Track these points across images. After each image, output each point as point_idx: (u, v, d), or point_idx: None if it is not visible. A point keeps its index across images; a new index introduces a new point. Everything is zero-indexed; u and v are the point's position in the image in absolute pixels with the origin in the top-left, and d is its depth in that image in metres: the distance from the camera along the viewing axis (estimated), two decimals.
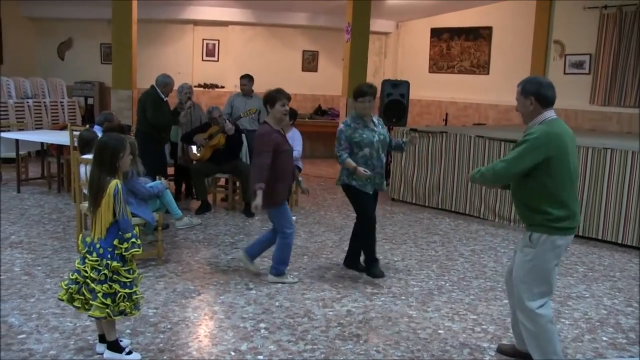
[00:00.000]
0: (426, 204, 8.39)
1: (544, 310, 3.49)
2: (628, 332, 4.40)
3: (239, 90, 8.71)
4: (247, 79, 8.41)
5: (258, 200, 4.75)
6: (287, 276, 5.16)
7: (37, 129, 10.96)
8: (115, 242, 3.49)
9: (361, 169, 4.98)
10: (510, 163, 3.43)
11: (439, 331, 4.27)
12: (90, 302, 3.49)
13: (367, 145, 5.08)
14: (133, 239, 3.53)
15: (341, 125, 5.22)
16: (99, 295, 3.44)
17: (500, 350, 3.96)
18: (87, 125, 8.16)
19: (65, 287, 3.58)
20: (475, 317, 4.56)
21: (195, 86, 11.03)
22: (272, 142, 4.85)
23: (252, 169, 5.04)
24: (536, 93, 3.47)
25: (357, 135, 5.08)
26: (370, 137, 5.10)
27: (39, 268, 5.20)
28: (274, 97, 4.91)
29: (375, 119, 5.28)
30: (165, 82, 7.19)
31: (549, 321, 3.51)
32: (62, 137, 8.18)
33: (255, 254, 5.33)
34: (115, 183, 3.50)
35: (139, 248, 3.55)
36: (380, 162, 5.20)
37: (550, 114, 3.49)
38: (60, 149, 8.39)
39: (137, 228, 3.72)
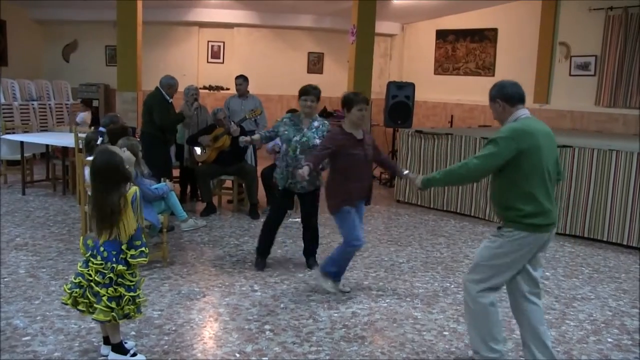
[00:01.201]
0: (431, 206, 8.38)
1: (484, 299, 3.52)
2: (633, 334, 4.38)
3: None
4: (242, 79, 8.35)
5: (305, 170, 4.53)
6: (328, 282, 4.92)
7: (42, 131, 11.00)
8: (123, 246, 3.48)
9: (242, 137, 5.71)
10: (484, 161, 3.45)
11: (444, 333, 4.26)
12: (95, 305, 3.48)
13: (285, 142, 5.31)
14: (142, 248, 3.51)
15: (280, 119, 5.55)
16: (104, 298, 3.44)
17: None
18: (93, 128, 8.17)
19: (69, 291, 3.57)
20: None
21: (200, 88, 11.02)
22: (335, 141, 4.75)
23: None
24: (500, 94, 3.57)
25: (281, 130, 5.34)
26: (290, 135, 5.27)
27: (44, 270, 5.21)
28: (352, 100, 4.74)
29: (317, 123, 5.37)
30: (169, 84, 7.20)
31: (490, 304, 3.53)
32: (66, 139, 8.20)
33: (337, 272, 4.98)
34: (134, 190, 3.49)
35: (146, 257, 3.55)
36: (295, 161, 5.25)
37: (522, 112, 3.55)
38: (65, 151, 8.42)
39: (144, 236, 3.71)
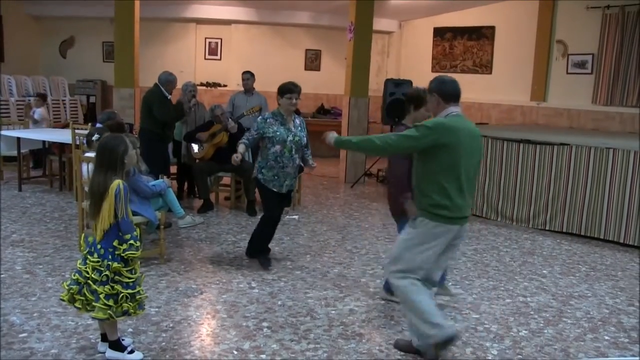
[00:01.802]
0: None
1: (404, 277, 3.67)
2: (630, 332, 4.39)
3: (241, 89, 8.69)
4: (249, 74, 8.40)
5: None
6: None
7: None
8: (115, 242, 3.47)
9: (234, 155, 5.13)
10: (401, 139, 3.63)
11: None
12: (93, 303, 3.48)
13: (279, 143, 5.17)
14: (131, 241, 3.49)
15: (259, 118, 5.38)
16: (101, 296, 3.43)
17: (397, 346, 3.94)
18: (90, 124, 8.15)
19: (67, 288, 3.57)
20: (477, 316, 4.55)
21: (197, 85, 11.01)
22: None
23: None
24: (438, 89, 3.74)
25: (270, 131, 5.18)
26: (284, 135, 5.18)
27: (41, 267, 5.20)
28: (423, 99, 4.42)
29: (298, 120, 5.37)
30: (168, 80, 7.18)
31: (411, 283, 3.65)
32: (63, 136, 8.19)
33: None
34: (117, 183, 3.47)
35: (137, 251, 3.52)
36: (291, 162, 5.25)
37: (454, 109, 3.73)
38: (62, 147, 8.40)
39: (139, 229, 3.70)
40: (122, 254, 3.46)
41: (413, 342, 3.81)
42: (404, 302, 3.72)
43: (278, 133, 5.18)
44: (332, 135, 3.99)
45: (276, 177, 5.25)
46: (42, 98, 9.93)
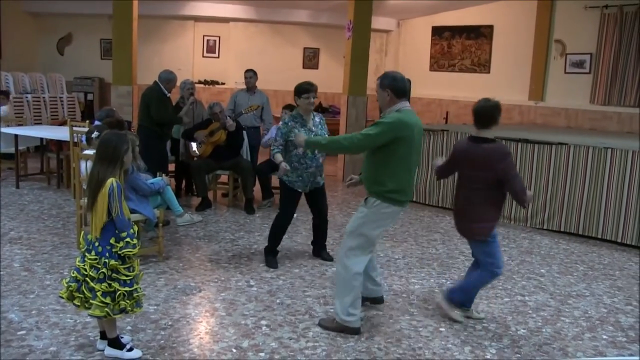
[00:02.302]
0: (427, 202, 8.39)
1: (355, 266, 4.05)
2: (627, 331, 4.40)
3: (239, 87, 8.68)
4: (252, 72, 8.37)
5: (529, 195, 4.27)
6: (454, 311, 4.42)
7: (36, 124, 10.93)
8: (112, 240, 3.47)
9: (283, 164, 5.11)
10: (367, 138, 3.96)
11: (440, 329, 4.27)
12: (90, 301, 3.47)
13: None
14: (128, 239, 3.49)
15: (280, 123, 5.41)
16: (98, 294, 3.43)
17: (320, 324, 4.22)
18: (88, 121, 8.13)
19: (66, 285, 3.57)
20: (476, 315, 4.55)
21: (195, 83, 11.01)
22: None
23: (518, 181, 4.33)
24: (391, 86, 4.01)
25: (292, 134, 5.14)
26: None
27: (39, 264, 5.19)
28: (497, 116, 4.32)
29: (318, 118, 5.38)
30: (168, 79, 7.16)
31: (357, 272, 4.06)
32: (61, 133, 8.17)
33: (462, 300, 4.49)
34: (110, 181, 3.47)
35: (134, 248, 3.51)
36: (315, 161, 5.29)
37: (405, 104, 4.05)
38: (59, 144, 8.38)
39: (136, 227, 3.69)
40: (119, 252, 3.46)
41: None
42: (344, 281, 4.08)
43: None
44: (302, 137, 4.39)
45: (300, 178, 5.31)
46: (5, 95, 9.75)
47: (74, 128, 7.38)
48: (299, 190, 5.37)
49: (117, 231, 3.48)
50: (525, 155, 7.34)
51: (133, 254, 3.54)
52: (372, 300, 4.55)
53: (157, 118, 7.02)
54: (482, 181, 4.21)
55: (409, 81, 9.69)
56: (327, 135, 5.34)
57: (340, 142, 4.18)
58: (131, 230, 3.54)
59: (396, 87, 4.00)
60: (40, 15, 13.04)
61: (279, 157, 5.20)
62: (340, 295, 4.11)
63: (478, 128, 4.32)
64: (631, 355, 4.03)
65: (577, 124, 10.73)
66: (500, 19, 12.13)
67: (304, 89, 5.24)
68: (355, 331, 4.08)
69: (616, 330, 4.40)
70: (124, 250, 3.47)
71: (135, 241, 3.54)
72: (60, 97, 12.19)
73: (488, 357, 3.89)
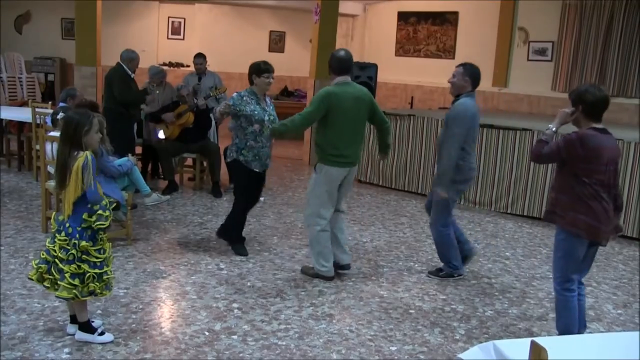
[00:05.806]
0: (393, 186, 8.46)
1: (318, 225, 4.73)
2: (588, 310, 4.53)
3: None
4: (202, 58, 8.17)
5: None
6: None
7: None
8: (85, 215, 3.42)
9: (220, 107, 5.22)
10: (305, 117, 4.67)
11: (410, 311, 4.34)
12: (58, 282, 3.43)
13: (258, 122, 5.08)
14: (100, 211, 3.44)
15: (234, 94, 5.22)
16: (67, 275, 3.38)
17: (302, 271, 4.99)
18: (50, 102, 7.94)
19: (36, 266, 3.52)
20: (444, 297, 4.65)
21: (160, 64, 10.83)
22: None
23: None
24: (329, 64, 4.74)
25: (248, 109, 5.05)
26: (262, 115, 5.09)
27: (2, 248, 5.08)
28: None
29: (268, 99, 5.35)
30: (130, 57, 7.01)
31: (321, 230, 4.74)
32: (22, 114, 7.96)
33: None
34: (85, 154, 3.41)
35: (106, 221, 3.46)
36: (269, 141, 5.24)
37: (342, 79, 4.69)
38: (20, 126, 8.17)
39: (106, 200, 3.60)
40: (93, 225, 3.41)
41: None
42: (311, 240, 4.82)
43: (256, 112, 5.05)
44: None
45: (257, 157, 5.14)
46: None
47: (37, 109, 7.19)
48: (256, 169, 5.19)
49: (89, 205, 3.43)
50: (490, 140, 7.47)
51: (106, 227, 3.49)
52: (340, 267, 4.96)
53: (121, 98, 6.89)
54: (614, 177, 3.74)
55: (376, 65, 9.79)
56: (276, 116, 5.27)
57: (295, 121, 4.74)
58: (103, 202, 3.49)
59: (332, 65, 4.71)
60: None
61: (223, 106, 5.15)
62: (312, 250, 4.84)
63: (598, 120, 3.77)
64: (590, 332, 4.16)
65: (540, 110, 10.92)
66: (465, 6, 12.22)
67: (265, 69, 5.12)
68: (328, 279, 4.81)
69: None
70: (97, 223, 3.42)
71: (107, 213, 3.48)
72: (19, 77, 11.87)
73: (457, 337, 3.98)
